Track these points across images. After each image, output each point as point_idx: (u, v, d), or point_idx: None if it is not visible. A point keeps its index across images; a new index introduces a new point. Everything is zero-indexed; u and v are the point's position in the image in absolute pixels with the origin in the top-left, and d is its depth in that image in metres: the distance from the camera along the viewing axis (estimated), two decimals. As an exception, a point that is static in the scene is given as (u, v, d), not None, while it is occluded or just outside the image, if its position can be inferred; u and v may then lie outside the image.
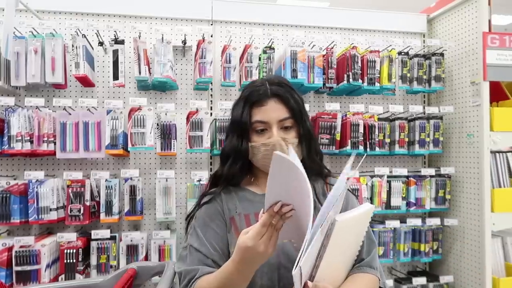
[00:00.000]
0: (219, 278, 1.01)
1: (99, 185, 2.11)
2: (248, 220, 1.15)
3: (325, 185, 1.23)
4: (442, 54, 2.51)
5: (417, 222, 2.46)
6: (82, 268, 2.06)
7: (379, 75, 2.37)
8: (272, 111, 1.13)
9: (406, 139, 2.45)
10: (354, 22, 2.64)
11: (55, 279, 2.04)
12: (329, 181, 1.24)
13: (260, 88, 1.15)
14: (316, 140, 1.24)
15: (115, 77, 2.13)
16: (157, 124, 2.16)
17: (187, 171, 2.39)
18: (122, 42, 2.15)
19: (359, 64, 2.31)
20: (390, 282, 2.44)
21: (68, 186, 2.06)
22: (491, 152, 2.31)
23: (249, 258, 0.92)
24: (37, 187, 2.01)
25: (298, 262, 0.84)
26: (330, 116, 2.31)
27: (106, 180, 2.09)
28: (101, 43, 2.26)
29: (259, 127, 1.14)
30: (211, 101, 2.43)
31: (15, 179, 2.15)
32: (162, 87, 2.31)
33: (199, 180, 2.18)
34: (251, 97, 1.15)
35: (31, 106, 2.02)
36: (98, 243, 2.10)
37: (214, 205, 1.19)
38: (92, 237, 2.08)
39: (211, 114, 2.27)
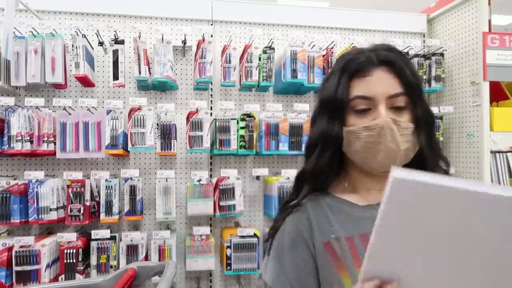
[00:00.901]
0: None
1: (99, 185, 2.11)
2: (353, 244, 0.81)
3: None
4: (442, 54, 2.51)
5: (417, 222, 2.45)
6: (82, 268, 2.06)
7: (379, 75, 2.37)
8: (379, 84, 0.81)
9: (406, 139, 2.45)
10: (354, 22, 2.64)
11: (55, 279, 2.04)
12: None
13: (365, 54, 0.84)
14: (434, 126, 0.89)
15: (115, 77, 2.13)
16: (157, 124, 2.16)
17: (187, 171, 2.39)
18: (122, 42, 2.15)
19: (359, 64, 2.31)
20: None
21: (68, 186, 2.06)
22: (491, 152, 2.31)
23: None
24: (37, 187, 2.01)
25: None
26: (330, 116, 2.30)
27: (106, 180, 2.09)
28: (101, 43, 2.26)
29: (360, 105, 0.82)
30: (211, 101, 2.43)
31: (15, 179, 2.15)
32: (162, 87, 2.31)
33: (199, 180, 2.18)
34: (350, 65, 0.84)
35: (31, 106, 2.02)
36: (98, 243, 2.10)
37: (298, 227, 0.85)
38: (92, 237, 2.08)
39: (211, 114, 2.27)
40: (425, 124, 0.84)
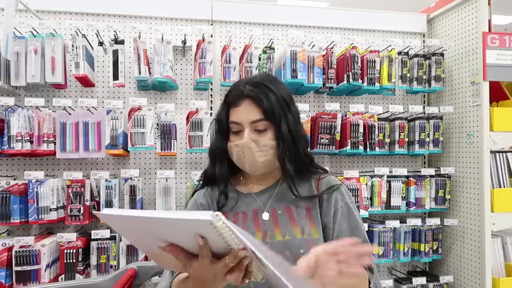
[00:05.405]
0: None
1: (99, 185, 2.11)
2: (232, 218, 1.14)
3: (318, 182, 1.16)
4: (442, 54, 2.51)
5: (417, 222, 2.46)
6: (82, 268, 2.06)
7: (379, 75, 2.37)
8: (245, 113, 1.09)
9: (406, 139, 2.45)
10: (354, 22, 2.64)
11: (55, 279, 2.04)
12: (322, 177, 1.18)
13: (239, 88, 1.12)
14: (302, 141, 1.14)
15: (115, 77, 2.13)
16: (157, 124, 2.16)
17: (187, 171, 2.39)
18: (122, 42, 2.15)
19: (359, 64, 2.31)
20: (390, 282, 2.44)
21: (68, 186, 2.06)
22: (491, 152, 2.31)
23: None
24: (37, 187, 2.01)
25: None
26: (330, 116, 2.31)
27: (106, 180, 2.09)
28: (101, 43, 2.26)
29: (234, 128, 1.12)
30: (211, 101, 2.43)
31: (15, 179, 2.15)
32: (162, 87, 2.31)
33: (199, 180, 2.18)
34: (228, 97, 1.14)
35: (31, 106, 2.02)
36: (98, 243, 2.10)
37: (197, 200, 1.22)
38: (92, 237, 2.08)
39: (211, 114, 2.27)
40: (284, 141, 1.09)
